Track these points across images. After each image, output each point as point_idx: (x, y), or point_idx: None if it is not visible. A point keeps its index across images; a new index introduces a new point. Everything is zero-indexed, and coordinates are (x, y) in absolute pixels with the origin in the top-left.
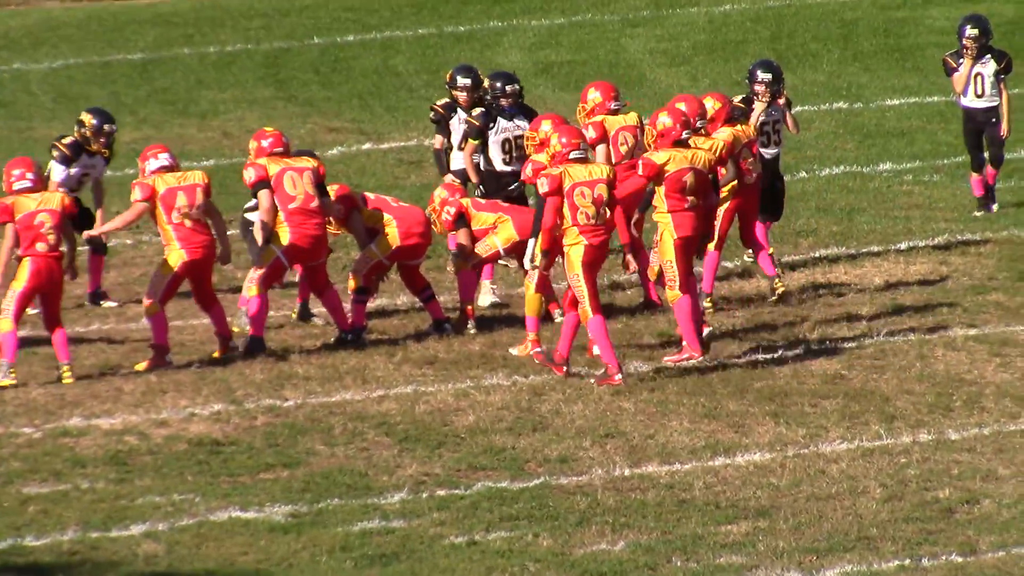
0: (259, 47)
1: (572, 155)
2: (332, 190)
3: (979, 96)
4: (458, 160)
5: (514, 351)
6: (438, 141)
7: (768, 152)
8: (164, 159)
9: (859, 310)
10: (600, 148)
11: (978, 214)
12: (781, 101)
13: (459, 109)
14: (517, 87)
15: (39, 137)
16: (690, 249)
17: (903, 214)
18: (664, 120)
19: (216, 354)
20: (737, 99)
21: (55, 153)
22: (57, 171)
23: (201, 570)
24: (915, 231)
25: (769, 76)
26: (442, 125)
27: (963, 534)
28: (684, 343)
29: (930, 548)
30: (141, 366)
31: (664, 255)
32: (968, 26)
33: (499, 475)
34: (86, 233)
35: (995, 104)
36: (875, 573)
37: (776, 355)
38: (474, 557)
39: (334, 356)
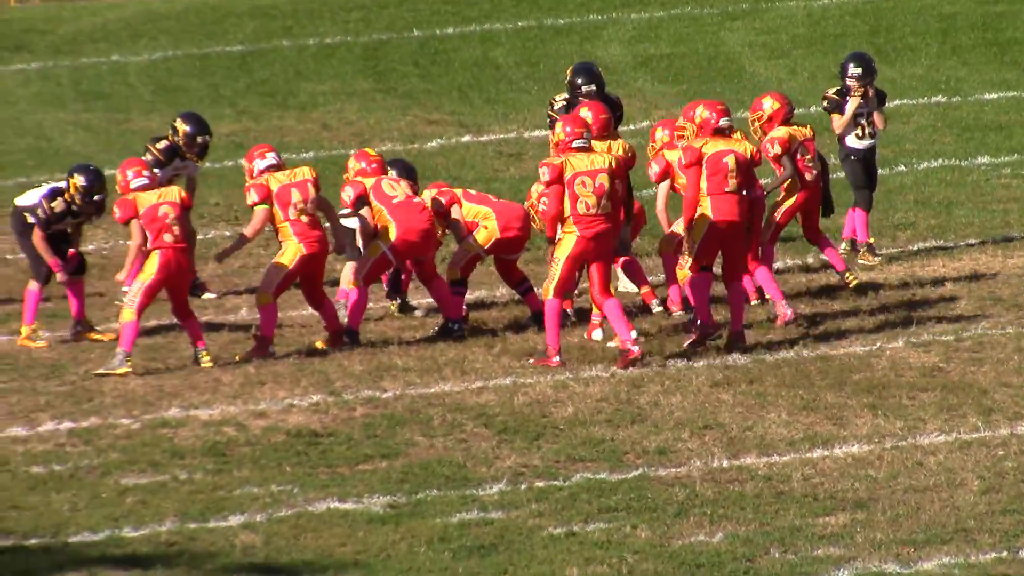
0: (358, 39)
1: (575, 144)
2: (428, 190)
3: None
4: None
5: (612, 344)
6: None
7: (863, 144)
8: (271, 158)
9: (957, 303)
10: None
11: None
12: (871, 93)
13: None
14: (594, 88)
15: (137, 129)
16: (724, 235)
17: (1001, 207)
18: (701, 112)
19: (319, 344)
20: (831, 91)
21: (148, 156)
22: None
23: (299, 561)
24: (1013, 224)
25: (860, 70)
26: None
27: None
28: (697, 321)
29: None
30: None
31: (695, 233)
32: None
33: (598, 466)
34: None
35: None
36: (972, 565)
37: (874, 347)
38: (572, 548)
39: (433, 348)
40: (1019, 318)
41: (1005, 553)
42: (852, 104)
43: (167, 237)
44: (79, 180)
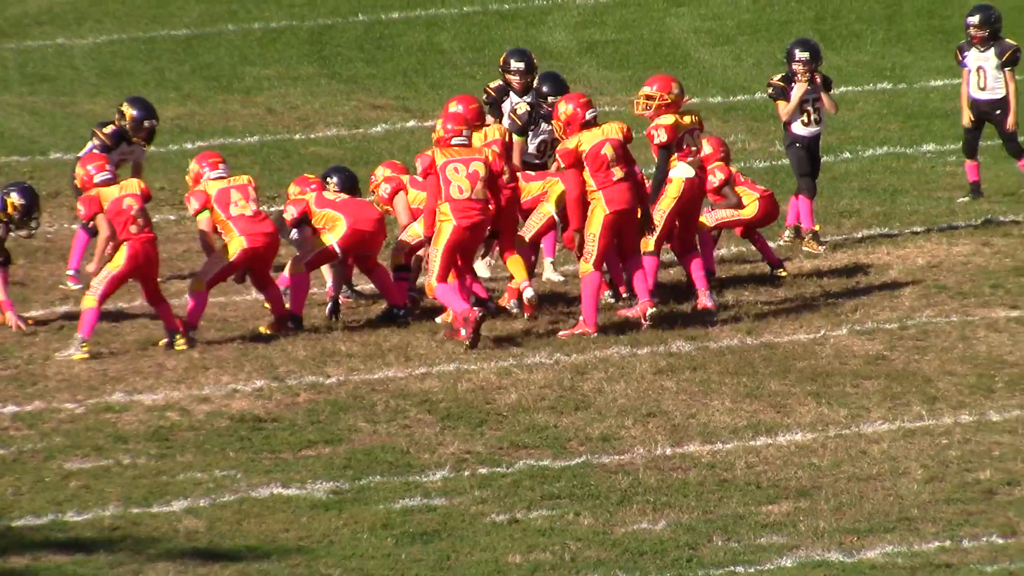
0: (303, 24)
1: (454, 141)
2: (381, 168)
3: (982, 89)
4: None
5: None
6: (489, 121)
7: (808, 131)
8: (222, 171)
9: (901, 291)
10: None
11: (963, 199)
12: (818, 79)
13: (511, 92)
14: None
15: (82, 112)
16: (621, 224)
17: (946, 195)
18: (565, 108)
19: (263, 329)
20: (776, 78)
21: (95, 141)
22: None
23: (242, 546)
24: (957, 212)
25: (807, 55)
26: (494, 107)
27: (1004, 515)
28: (581, 317)
29: (971, 529)
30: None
31: (590, 227)
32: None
33: (541, 453)
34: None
35: (1000, 96)
36: (916, 554)
37: (818, 335)
38: (515, 535)
39: (376, 333)
40: (963, 307)
41: (948, 542)
42: (798, 90)
43: (133, 228)
44: (16, 199)
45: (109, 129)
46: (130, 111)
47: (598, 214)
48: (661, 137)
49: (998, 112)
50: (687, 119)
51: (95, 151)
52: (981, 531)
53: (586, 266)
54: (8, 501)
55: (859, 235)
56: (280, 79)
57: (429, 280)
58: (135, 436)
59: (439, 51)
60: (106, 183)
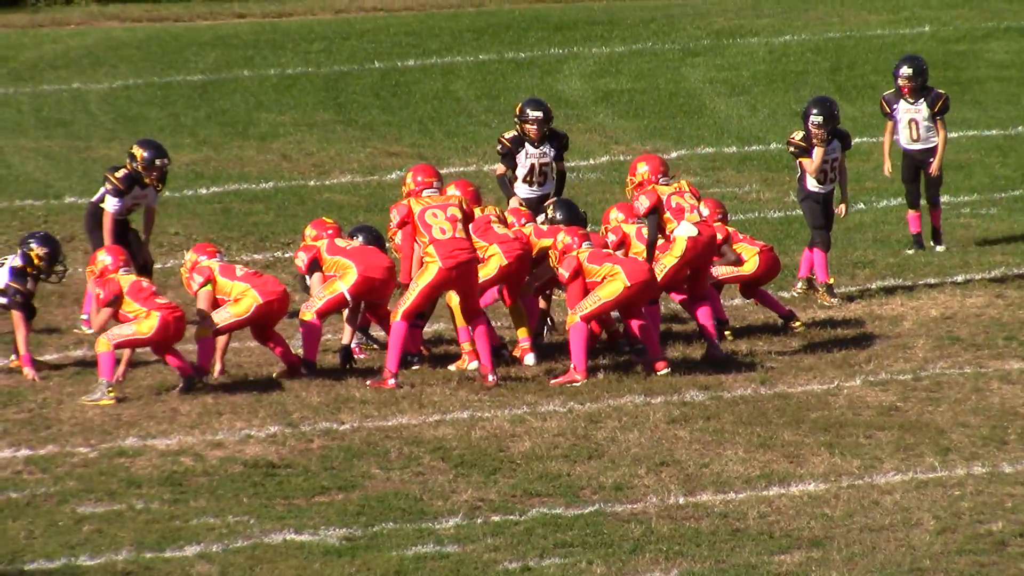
0: (319, 70)
1: (425, 193)
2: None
3: (915, 140)
4: (523, 191)
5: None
6: (500, 168)
7: (824, 188)
8: (218, 260)
9: (915, 342)
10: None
11: (909, 252)
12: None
13: (527, 143)
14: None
15: (98, 157)
16: (633, 298)
17: (960, 247)
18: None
19: (277, 375)
20: (797, 137)
21: (108, 186)
22: (111, 203)
23: None
24: (972, 264)
25: (821, 118)
26: (508, 158)
27: (1016, 567)
28: (572, 365)
29: None
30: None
31: (601, 294)
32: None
33: (554, 501)
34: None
35: (933, 145)
36: None
37: (832, 386)
38: None
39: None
40: (976, 358)
41: None
42: (818, 155)
43: (159, 301)
44: (39, 250)
45: (121, 173)
46: (141, 152)
47: (616, 286)
48: (644, 205)
49: (931, 161)
50: (669, 188)
51: (109, 195)
52: None
53: (573, 317)
54: (21, 544)
55: (873, 286)
56: (296, 125)
57: (397, 310)
58: (148, 481)
59: (455, 99)
60: (128, 273)
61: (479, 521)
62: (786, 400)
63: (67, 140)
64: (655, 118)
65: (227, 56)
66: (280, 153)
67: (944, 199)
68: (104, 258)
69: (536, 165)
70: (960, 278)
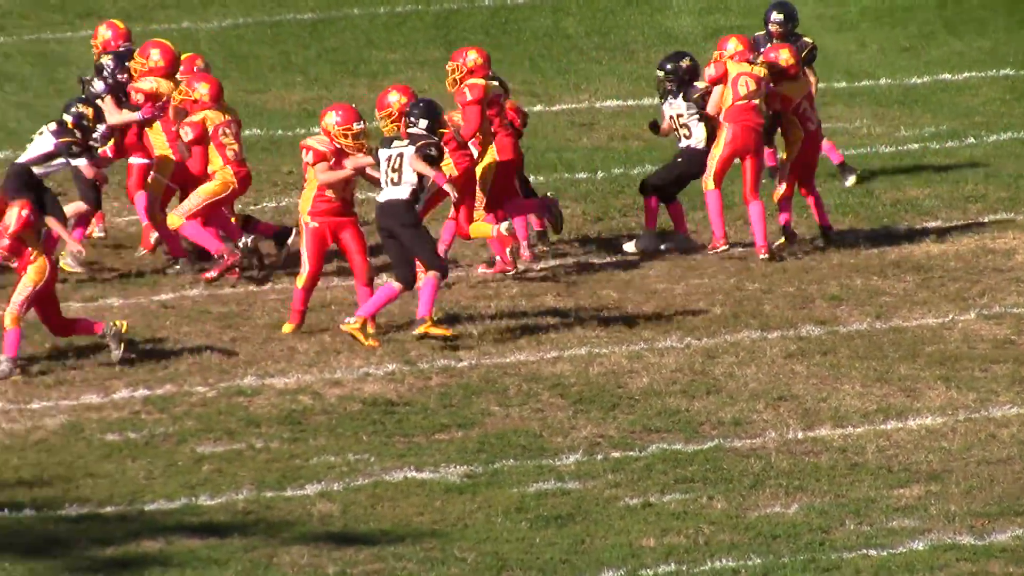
0: (429, 8)
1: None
2: None
3: None
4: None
5: None
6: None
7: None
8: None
9: None
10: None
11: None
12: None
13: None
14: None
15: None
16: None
17: None
18: (474, 57)
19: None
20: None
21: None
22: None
23: (376, 530)
24: None
25: (781, 16)
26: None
27: None
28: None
29: None
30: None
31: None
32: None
33: (673, 437)
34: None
35: None
36: None
37: (946, 320)
38: (649, 519)
39: (509, 317)
40: None
41: None
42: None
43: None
44: (85, 110)
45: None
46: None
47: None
48: (709, 74)
49: None
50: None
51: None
52: None
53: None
54: (141, 485)
55: (985, 220)
56: (406, 63)
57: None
58: (267, 420)
59: (565, 36)
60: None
61: (599, 457)
62: (901, 334)
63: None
64: None
65: None
66: None
67: None
68: None
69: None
70: None
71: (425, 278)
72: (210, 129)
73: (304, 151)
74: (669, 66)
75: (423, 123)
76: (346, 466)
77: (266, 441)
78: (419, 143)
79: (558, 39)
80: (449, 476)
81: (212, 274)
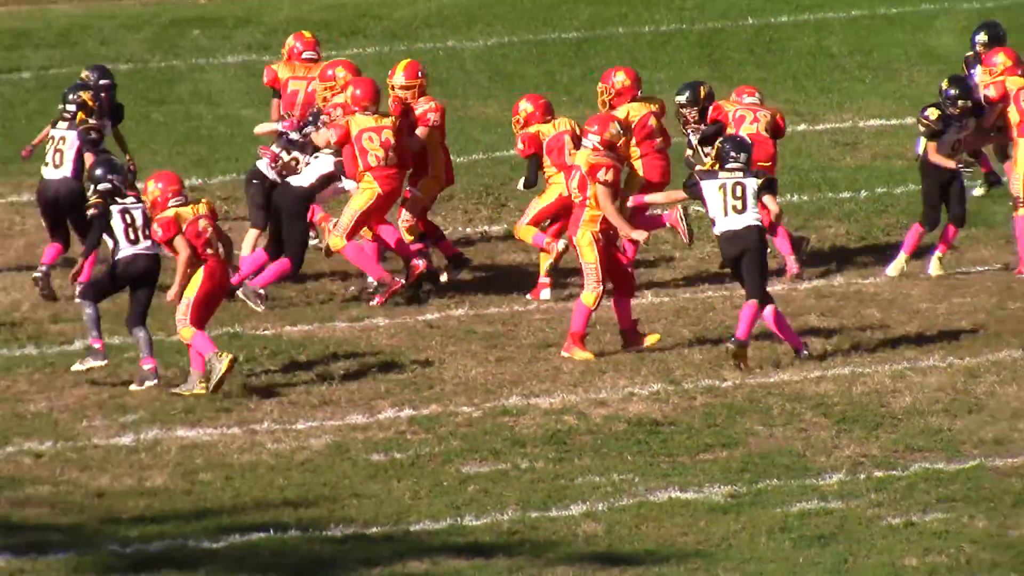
0: (693, 27)
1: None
2: None
3: None
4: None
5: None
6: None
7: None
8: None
9: None
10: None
11: None
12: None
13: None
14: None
15: (473, 115)
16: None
17: None
18: (622, 79)
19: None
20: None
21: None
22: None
23: (640, 550)
24: None
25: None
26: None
27: None
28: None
29: None
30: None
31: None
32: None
33: (935, 456)
34: None
35: None
36: None
37: None
38: (911, 538)
39: (773, 338)
40: None
41: None
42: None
43: (209, 251)
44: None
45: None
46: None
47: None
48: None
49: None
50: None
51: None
52: None
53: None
54: (406, 505)
55: None
56: (671, 83)
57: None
58: (532, 440)
59: (828, 55)
60: (180, 205)
61: (862, 476)
62: None
63: (443, 98)
64: None
65: (601, 13)
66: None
67: None
68: None
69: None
70: None
71: (746, 304)
72: (353, 133)
73: (604, 169)
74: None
75: (743, 157)
76: (611, 486)
77: (531, 461)
78: (761, 179)
79: (821, 58)
80: (713, 496)
81: (376, 302)
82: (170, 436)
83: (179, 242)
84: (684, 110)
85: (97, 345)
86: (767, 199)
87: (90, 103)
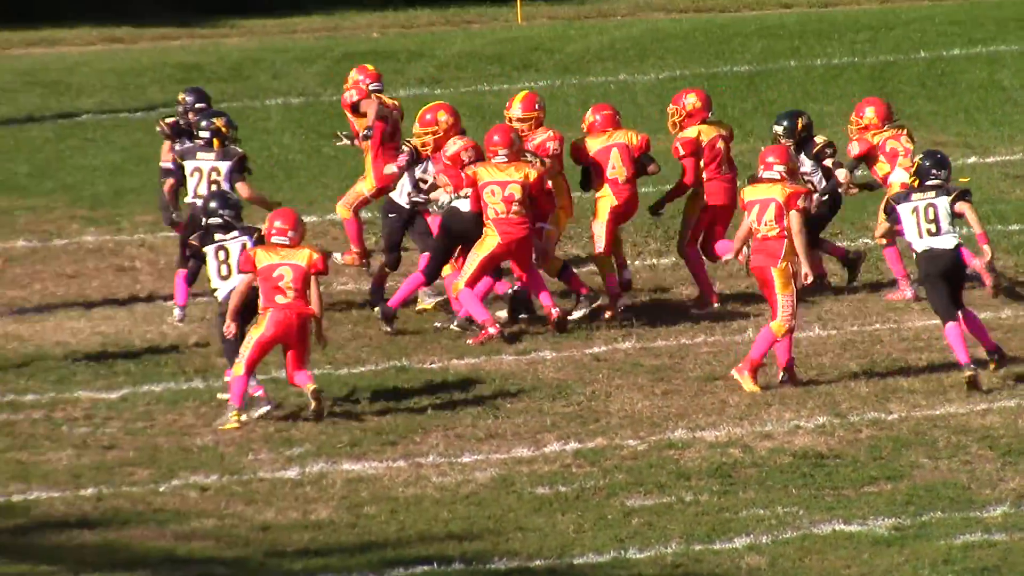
0: (865, 60)
1: (495, 160)
2: None
3: None
4: None
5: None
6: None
7: None
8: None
9: None
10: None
11: None
12: None
13: None
14: None
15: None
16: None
17: None
18: (693, 100)
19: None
20: None
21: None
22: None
23: None
24: None
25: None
26: None
27: None
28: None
29: None
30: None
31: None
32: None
33: None
34: None
35: None
36: None
37: None
38: None
39: (939, 370)
40: None
41: None
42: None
43: (279, 299)
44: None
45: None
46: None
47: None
48: (855, 150)
49: None
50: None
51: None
52: None
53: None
54: (570, 538)
55: None
56: (842, 115)
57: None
58: (697, 473)
59: (1000, 88)
60: (278, 246)
61: None
62: None
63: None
64: None
65: (773, 46)
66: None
67: None
68: None
69: None
70: None
71: (946, 329)
72: (480, 182)
73: (803, 196)
74: None
75: (943, 174)
76: (775, 519)
77: (695, 494)
78: (956, 191)
79: (993, 91)
80: (877, 529)
81: (472, 341)
82: (335, 469)
83: (241, 278)
84: (780, 140)
85: (259, 393)
86: (970, 217)
87: (224, 130)
